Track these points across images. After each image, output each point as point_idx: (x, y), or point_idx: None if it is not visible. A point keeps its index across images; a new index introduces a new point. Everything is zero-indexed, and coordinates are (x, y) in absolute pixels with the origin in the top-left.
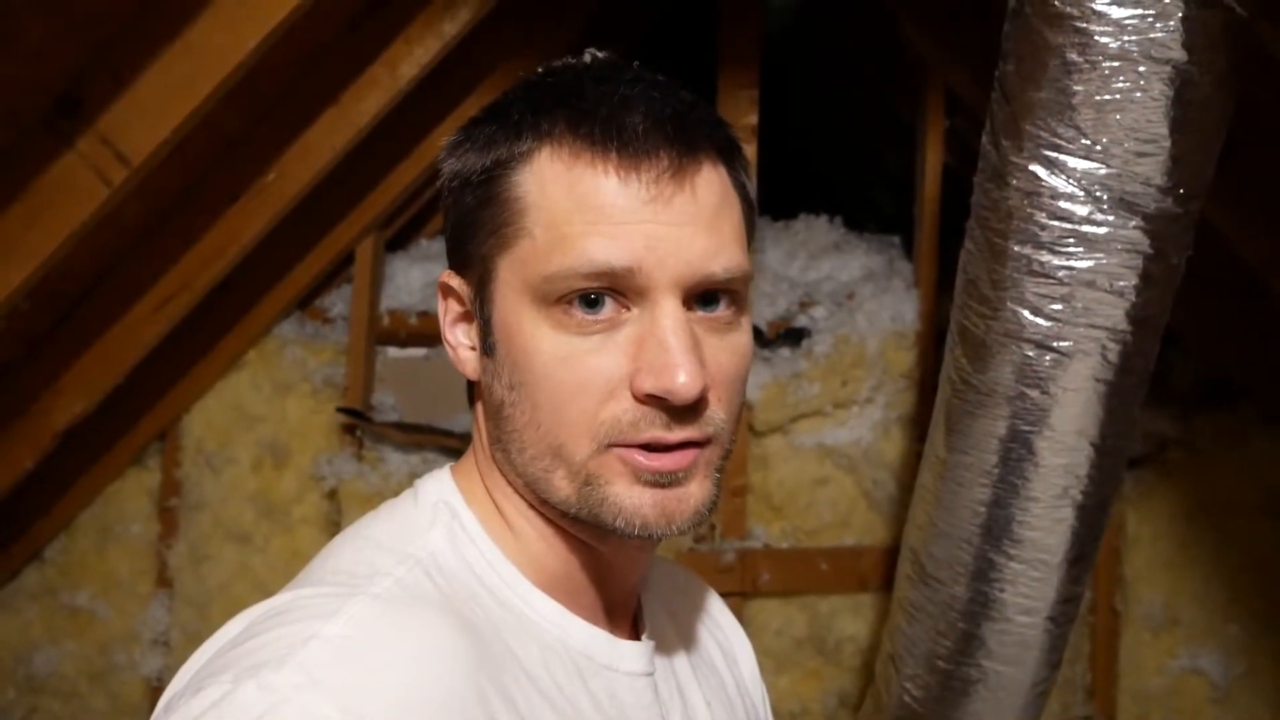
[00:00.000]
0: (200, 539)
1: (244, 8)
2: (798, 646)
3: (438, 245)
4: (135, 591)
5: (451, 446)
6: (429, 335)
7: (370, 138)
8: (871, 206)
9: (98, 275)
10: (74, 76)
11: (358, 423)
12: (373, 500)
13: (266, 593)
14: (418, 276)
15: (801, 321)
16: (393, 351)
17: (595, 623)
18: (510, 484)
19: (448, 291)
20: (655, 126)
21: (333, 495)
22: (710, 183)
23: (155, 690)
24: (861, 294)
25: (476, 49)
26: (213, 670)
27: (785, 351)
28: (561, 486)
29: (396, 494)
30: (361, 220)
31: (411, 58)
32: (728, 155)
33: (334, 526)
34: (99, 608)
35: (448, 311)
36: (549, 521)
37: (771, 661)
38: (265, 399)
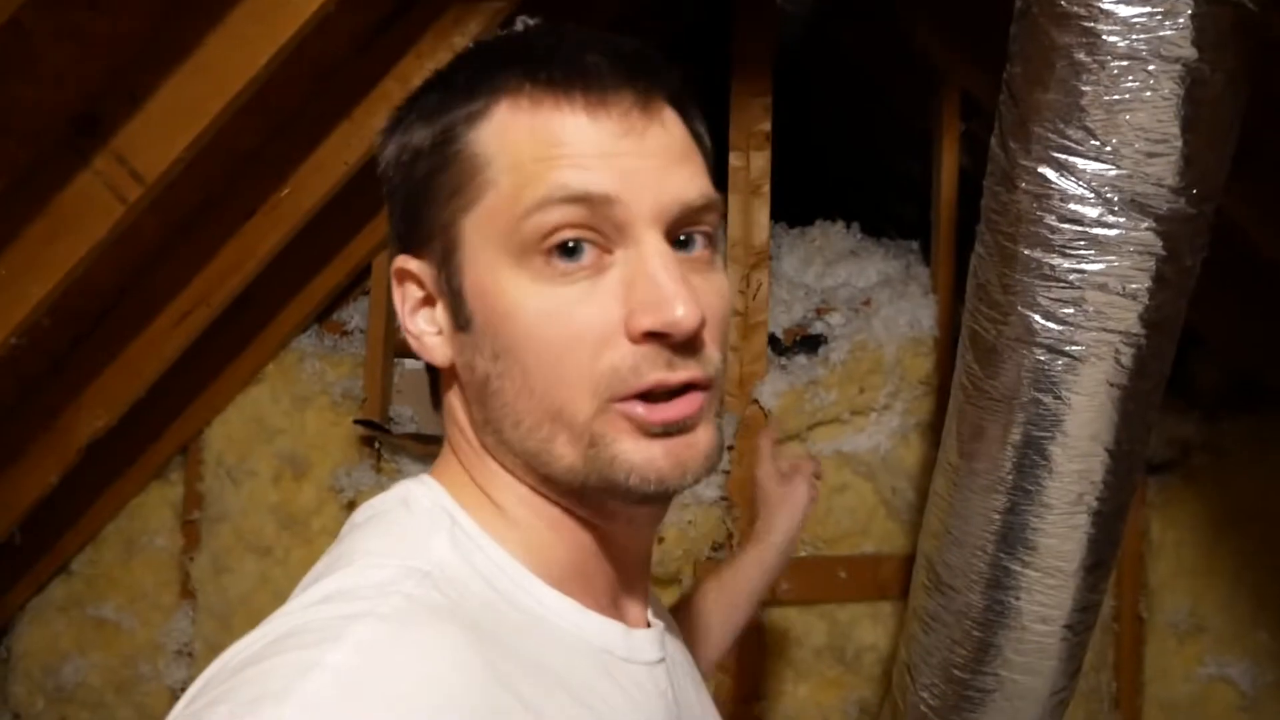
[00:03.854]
0: (222, 551)
1: (254, 26)
2: (817, 655)
3: None
4: (159, 603)
5: None
6: None
7: None
8: (890, 213)
9: (117, 291)
10: (91, 97)
11: (376, 434)
12: None
13: None
14: None
15: (818, 328)
16: (410, 363)
17: (608, 613)
18: (506, 469)
19: (404, 276)
20: (617, 63)
21: (352, 507)
22: (676, 120)
23: (179, 700)
24: (879, 300)
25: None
26: (213, 699)
27: (802, 358)
28: (565, 454)
29: None
30: (378, 233)
31: (423, 71)
32: (683, 99)
33: None
34: (124, 619)
35: (406, 299)
36: (553, 504)
37: (791, 671)
38: (284, 412)
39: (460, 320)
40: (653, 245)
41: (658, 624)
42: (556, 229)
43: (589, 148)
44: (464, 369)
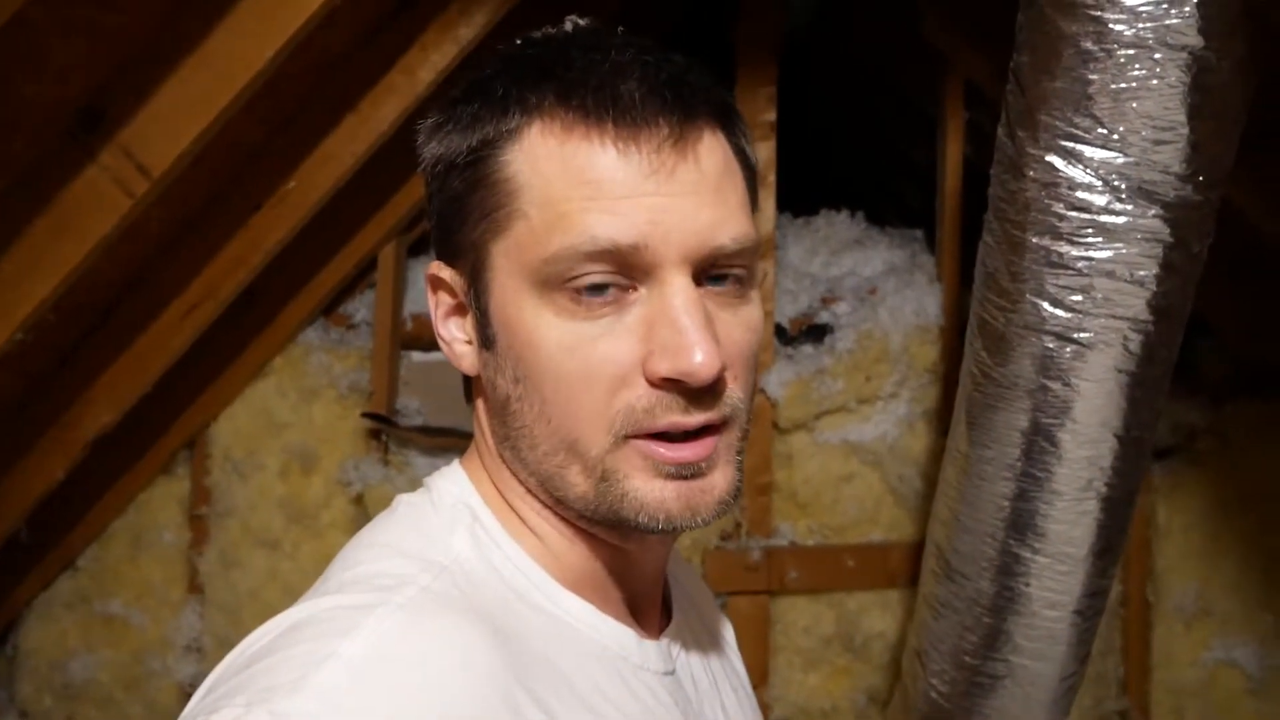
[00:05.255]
0: (230, 546)
1: (260, 20)
2: (826, 644)
3: None
4: (168, 598)
5: None
6: None
7: (390, 144)
8: (896, 201)
9: (124, 286)
10: (95, 91)
11: (383, 427)
12: None
13: (297, 599)
14: None
15: (824, 318)
16: (417, 356)
17: (623, 621)
18: (522, 484)
19: (438, 284)
20: (652, 93)
21: (359, 500)
22: (713, 150)
23: (189, 696)
24: (884, 289)
25: (493, 52)
26: (228, 691)
27: (808, 348)
28: (577, 483)
29: None
30: (383, 226)
31: (429, 63)
32: (728, 120)
33: None
34: (133, 615)
35: (439, 305)
36: (566, 521)
37: (800, 659)
38: (291, 406)
39: (485, 338)
40: (677, 286)
41: (664, 641)
42: (582, 275)
43: (617, 188)
44: (488, 384)
